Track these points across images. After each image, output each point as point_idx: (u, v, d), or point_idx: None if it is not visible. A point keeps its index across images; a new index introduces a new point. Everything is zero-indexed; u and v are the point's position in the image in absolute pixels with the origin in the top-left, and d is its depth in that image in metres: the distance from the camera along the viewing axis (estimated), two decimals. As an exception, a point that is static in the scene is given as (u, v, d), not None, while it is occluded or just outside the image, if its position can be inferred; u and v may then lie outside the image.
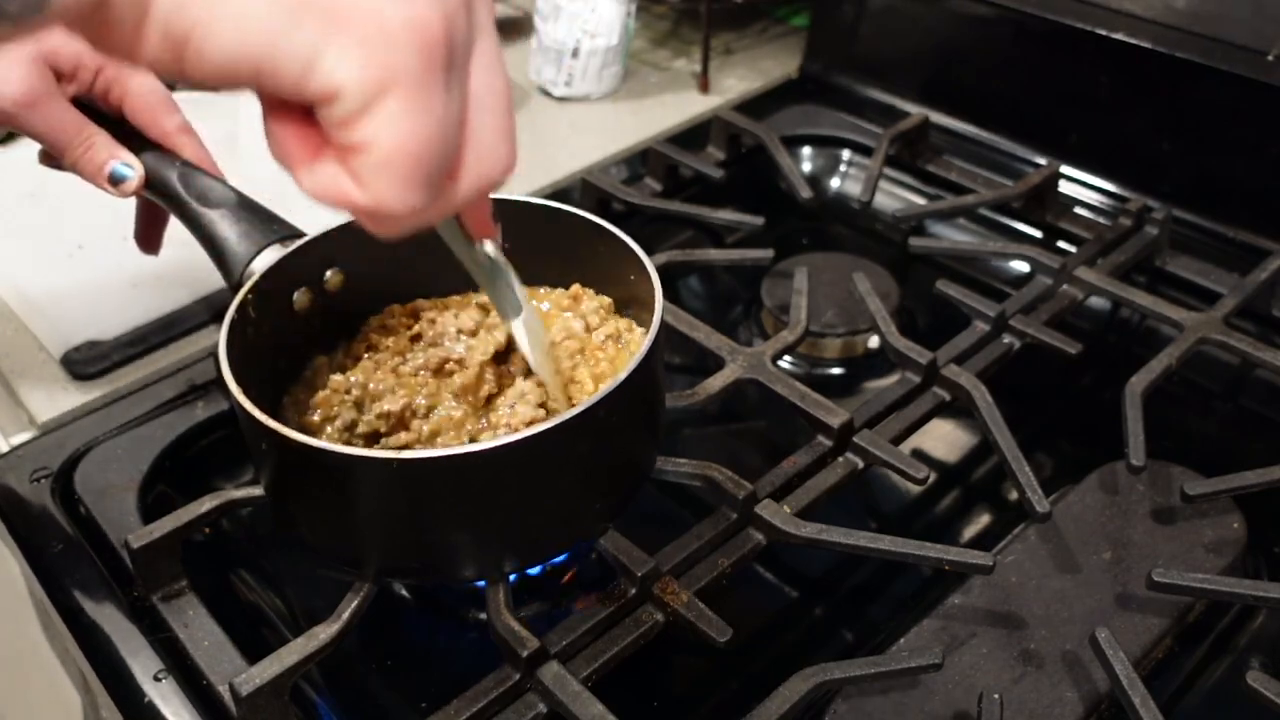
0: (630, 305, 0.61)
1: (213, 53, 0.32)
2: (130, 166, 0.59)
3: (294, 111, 0.35)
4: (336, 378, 0.57)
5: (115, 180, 0.59)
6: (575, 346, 0.60)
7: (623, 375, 0.49)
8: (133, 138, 0.61)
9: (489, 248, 0.51)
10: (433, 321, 0.62)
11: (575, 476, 0.51)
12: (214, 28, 0.31)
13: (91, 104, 0.61)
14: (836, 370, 0.77)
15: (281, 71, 0.32)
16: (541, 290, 0.64)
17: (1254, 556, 0.61)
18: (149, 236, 0.69)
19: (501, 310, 0.54)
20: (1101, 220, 0.82)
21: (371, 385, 0.56)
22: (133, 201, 0.66)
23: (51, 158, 0.62)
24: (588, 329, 0.61)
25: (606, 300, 0.62)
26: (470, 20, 0.36)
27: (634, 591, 0.53)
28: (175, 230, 0.69)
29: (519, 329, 0.54)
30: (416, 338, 0.62)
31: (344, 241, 0.60)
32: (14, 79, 0.56)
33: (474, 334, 0.60)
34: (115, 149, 0.59)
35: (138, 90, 0.61)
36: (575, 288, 0.63)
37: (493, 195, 0.47)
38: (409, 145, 0.34)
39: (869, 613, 0.61)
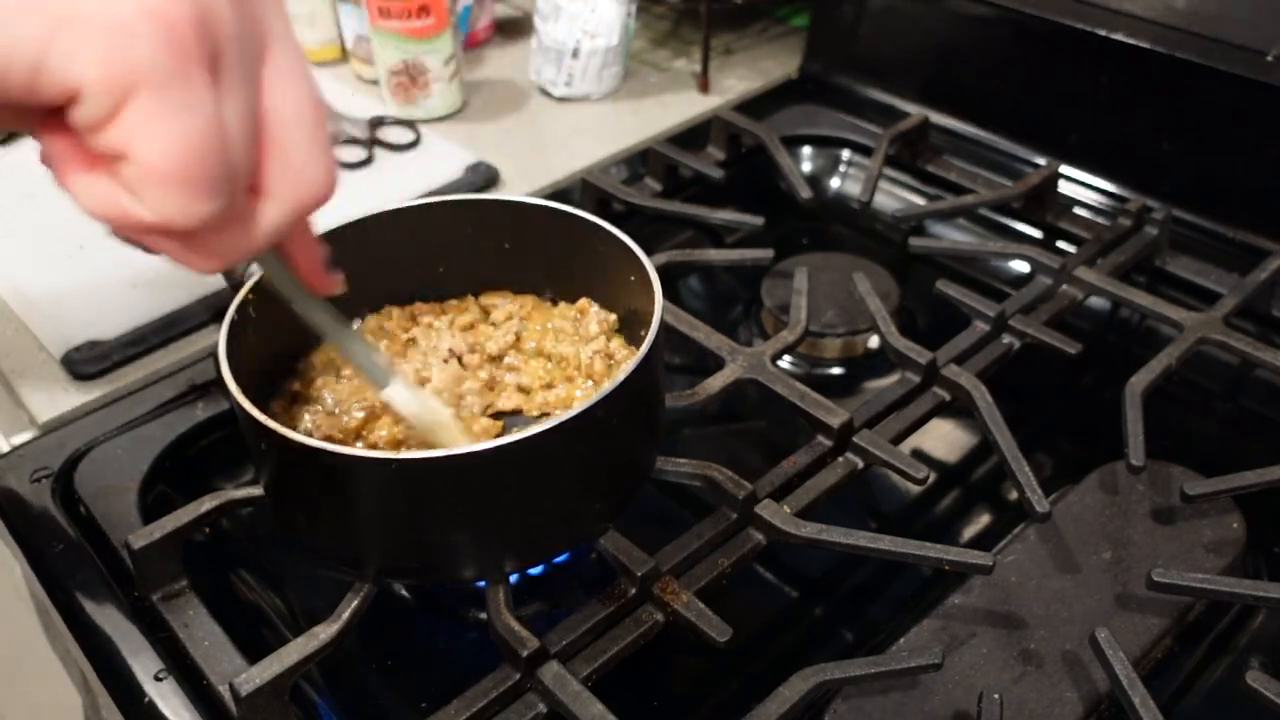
0: (630, 306, 0.61)
1: None
2: None
3: (57, 121, 0.32)
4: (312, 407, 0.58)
5: None
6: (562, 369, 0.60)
7: (622, 376, 0.49)
8: None
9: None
10: (430, 325, 0.62)
11: (575, 477, 0.51)
12: None
13: None
14: (836, 370, 0.77)
15: (10, 71, 0.30)
16: (556, 309, 0.64)
17: (1254, 556, 0.61)
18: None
19: (371, 379, 0.50)
20: (1101, 220, 0.82)
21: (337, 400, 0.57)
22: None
23: None
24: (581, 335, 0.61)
25: (611, 317, 0.62)
26: (241, 16, 0.33)
27: (634, 591, 0.53)
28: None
29: (396, 395, 0.51)
30: (412, 341, 0.62)
31: (344, 242, 0.60)
32: None
33: (460, 357, 0.60)
34: None
35: None
36: (583, 301, 0.63)
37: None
38: (175, 147, 0.32)
39: (869, 613, 0.61)
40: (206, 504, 0.56)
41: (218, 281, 0.60)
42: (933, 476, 0.60)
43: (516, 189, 0.89)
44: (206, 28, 0.32)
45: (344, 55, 1.08)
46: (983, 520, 0.67)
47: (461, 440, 0.53)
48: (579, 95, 1.02)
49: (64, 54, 0.30)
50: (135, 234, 0.34)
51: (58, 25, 0.30)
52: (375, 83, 1.02)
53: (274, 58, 0.35)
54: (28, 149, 0.88)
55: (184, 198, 0.32)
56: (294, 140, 0.35)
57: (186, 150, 0.32)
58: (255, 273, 0.57)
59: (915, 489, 0.65)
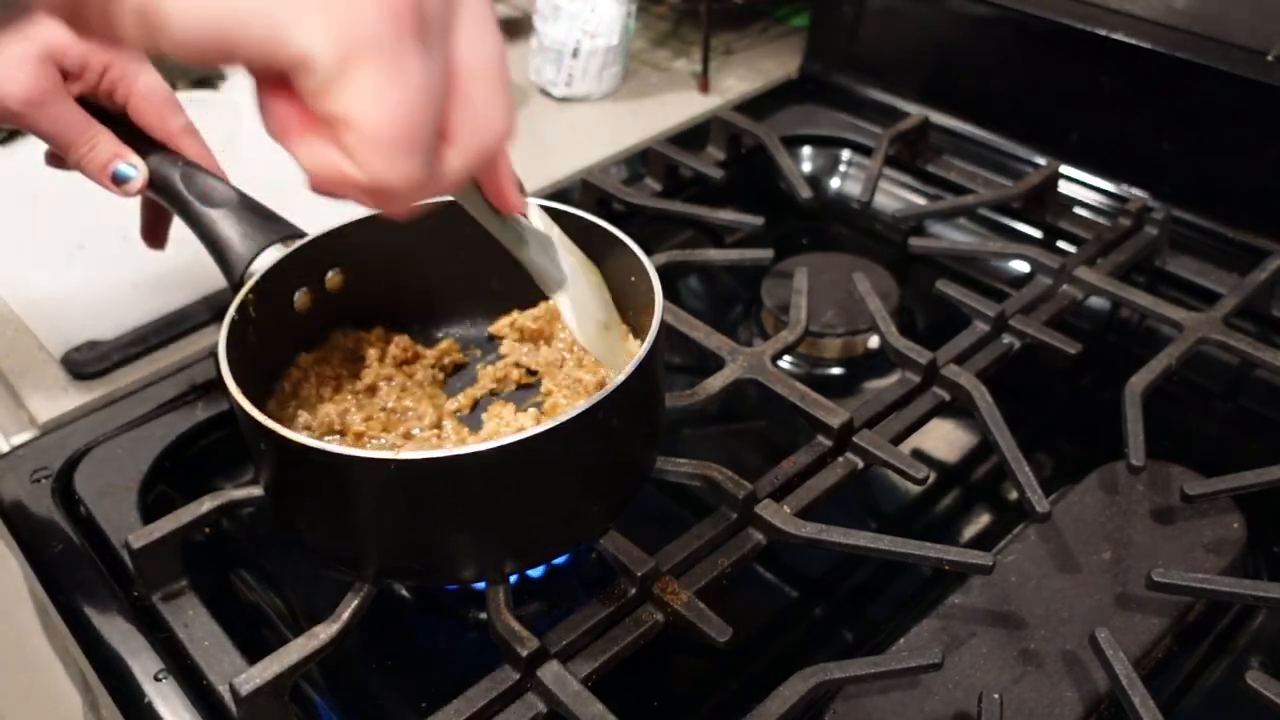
0: (630, 306, 0.61)
1: (180, 26, 0.32)
2: (134, 166, 0.59)
3: (284, 86, 0.35)
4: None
5: (119, 180, 0.59)
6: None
7: (622, 376, 0.49)
8: (137, 137, 0.61)
9: (525, 219, 0.50)
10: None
11: (575, 477, 0.51)
12: (179, 6, 0.31)
13: (97, 103, 0.61)
14: (836, 370, 0.77)
15: (249, 42, 0.32)
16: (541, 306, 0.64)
17: (1254, 556, 0.61)
18: (154, 232, 0.69)
19: (543, 283, 0.52)
20: (1101, 220, 0.82)
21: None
22: (134, 201, 0.66)
23: (57, 157, 0.62)
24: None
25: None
26: None
27: (634, 591, 0.53)
28: (175, 230, 0.69)
29: (563, 302, 0.53)
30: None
31: (345, 242, 0.60)
32: (20, 78, 0.56)
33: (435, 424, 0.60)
34: (119, 149, 0.59)
35: (142, 90, 0.61)
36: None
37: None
38: (393, 115, 0.34)
39: (869, 613, 0.61)
40: (206, 504, 0.56)
41: (218, 281, 0.60)
42: (933, 476, 0.60)
43: (516, 189, 0.89)
44: (421, 1, 0.34)
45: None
46: (983, 520, 0.67)
47: (611, 361, 0.54)
48: (579, 95, 1.02)
49: (297, 25, 0.32)
50: (344, 191, 0.36)
51: (295, 1, 0.32)
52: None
53: (465, 13, 0.37)
54: (28, 149, 0.88)
55: (396, 160, 0.35)
56: (479, 90, 0.37)
57: (402, 117, 0.34)
58: (256, 273, 0.57)
59: (915, 489, 0.65)
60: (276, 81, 0.35)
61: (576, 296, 0.53)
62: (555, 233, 0.53)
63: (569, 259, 0.53)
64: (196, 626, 0.55)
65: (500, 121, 0.39)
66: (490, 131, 0.38)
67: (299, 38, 0.32)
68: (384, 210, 0.38)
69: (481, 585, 0.53)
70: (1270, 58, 0.76)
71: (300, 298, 0.60)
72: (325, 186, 0.37)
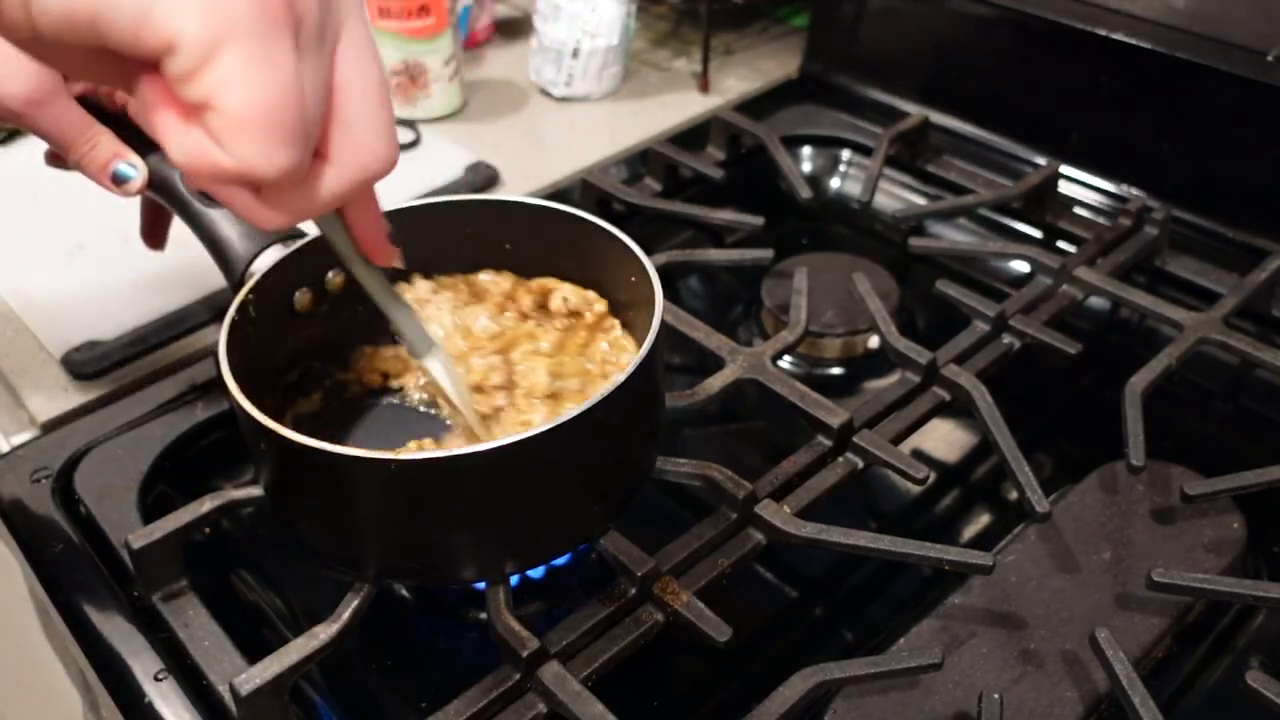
0: (630, 306, 0.61)
1: (51, 12, 0.32)
2: (134, 166, 0.59)
3: (151, 72, 0.35)
4: None
5: (119, 180, 0.59)
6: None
7: (623, 376, 0.49)
8: (137, 137, 0.61)
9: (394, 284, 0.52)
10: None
11: (575, 478, 0.51)
12: None
13: (97, 103, 0.61)
14: (836, 370, 0.77)
15: (118, 22, 0.33)
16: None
17: (1254, 556, 0.61)
18: (154, 232, 0.69)
19: (412, 348, 0.54)
20: (1101, 220, 0.82)
21: None
22: (134, 201, 0.66)
23: (57, 157, 0.62)
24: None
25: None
26: (334, 9, 0.37)
27: (634, 591, 0.53)
28: (175, 230, 0.69)
29: (435, 366, 0.54)
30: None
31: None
32: (21, 77, 0.56)
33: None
34: (119, 149, 0.59)
35: None
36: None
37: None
38: (259, 97, 0.34)
39: (869, 613, 0.61)
40: (206, 504, 0.56)
41: (218, 281, 0.60)
42: (933, 476, 0.60)
43: (516, 189, 0.89)
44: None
45: (344, 55, 1.08)
46: (983, 520, 0.67)
47: (476, 432, 0.55)
48: (579, 95, 1.02)
49: (167, 6, 0.32)
50: (214, 183, 0.36)
51: None
52: (375, 83, 1.02)
53: (347, 35, 0.37)
54: (28, 149, 0.88)
55: (264, 145, 0.35)
56: (359, 114, 0.38)
57: (269, 101, 0.34)
58: (256, 273, 0.57)
59: (915, 489, 0.65)
60: (142, 69, 0.35)
61: (446, 361, 0.54)
62: (429, 307, 0.56)
63: (436, 329, 0.54)
64: (196, 626, 0.55)
65: (381, 148, 0.39)
66: (370, 155, 0.38)
67: (169, 19, 0.33)
68: (259, 222, 0.38)
69: (481, 585, 0.53)
70: (1270, 58, 0.76)
71: (301, 298, 0.60)
72: (197, 178, 0.36)
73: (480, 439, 0.55)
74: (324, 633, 0.50)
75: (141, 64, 0.35)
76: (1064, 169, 0.86)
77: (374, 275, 0.50)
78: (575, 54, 0.99)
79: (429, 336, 0.54)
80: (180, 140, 0.35)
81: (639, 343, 0.60)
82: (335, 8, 0.37)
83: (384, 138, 0.39)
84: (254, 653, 0.52)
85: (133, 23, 0.33)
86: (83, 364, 0.71)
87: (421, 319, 0.53)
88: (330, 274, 0.61)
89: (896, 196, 0.91)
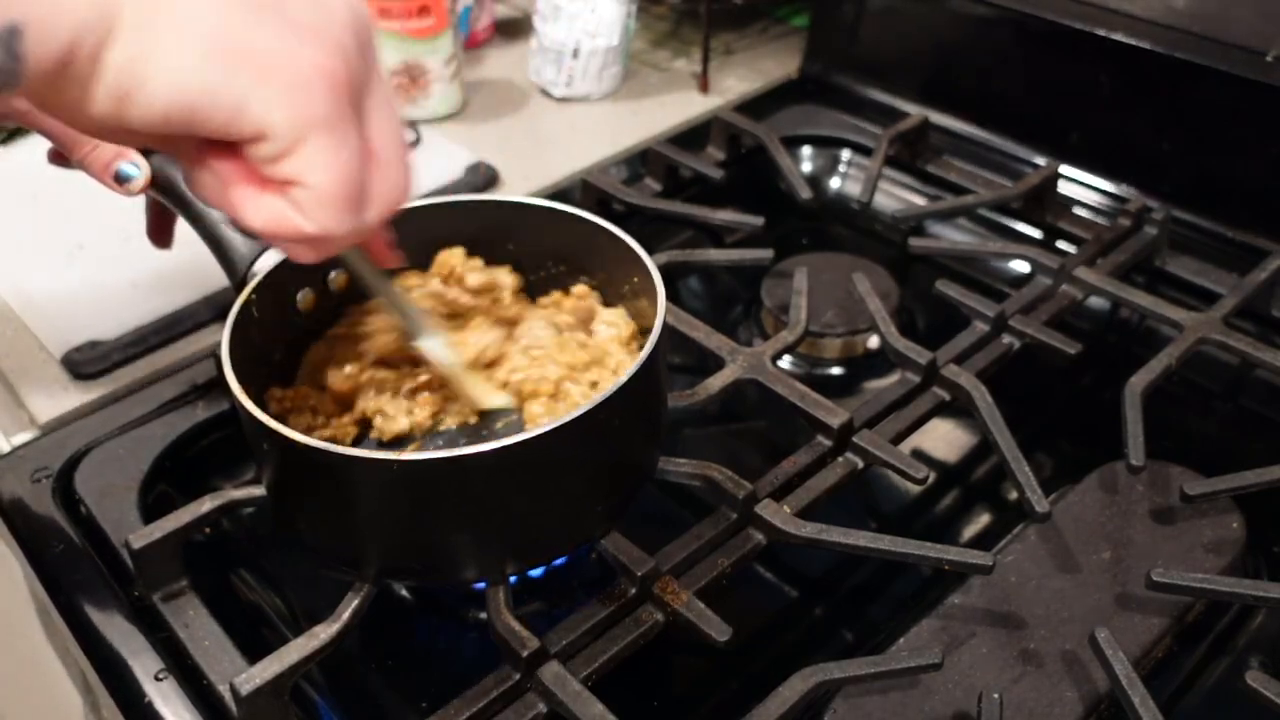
0: (632, 307, 0.61)
1: (153, 103, 0.36)
2: (136, 165, 0.59)
3: (229, 153, 0.39)
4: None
5: (121, 179, 0.59)
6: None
7: (624, 377, 0.49)
8: None
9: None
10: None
11: (577, 478, 0.51)
12: (157, 81, 0.35)
13: None
14: (836, 370, 0.77)
15: (215, 116, 0.37)
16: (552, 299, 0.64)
17: (1254, 556, 0.61)
18: (160, 232, 0.69)
19: (410, 330, 0.56)
20: (1101, 220, 0.82)
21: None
22: (135, 201, 0.66)
23: (60, 155, 0.62)
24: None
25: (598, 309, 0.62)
26: (365, 63, 0.41)
27: (634, 591, 0.53)
28: (176, 230, 0.69)
29: (433, 346, 0.56)
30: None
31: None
32: None
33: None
34: (122, 148, 0.59)
35: None
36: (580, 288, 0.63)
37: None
38: (338, 177, 0.39)
39: (869, 613, 0.61)
40: (207, 504, 0.56)
41: (218, 281, 0.60)
42: (933, 476, 0.60)
43: (516, 189, 0.89)
44: (352, 76, 0.39)
45: (344, 55, 1.08)
46: (983, 520, 0.67)
47: (489, 391, 0.57)
48: (579, 95, 1.02)
49: (262, 103, 0.37)
50: (286, 240, 0.41)
51: (259, 81, 0.37)
52: (375, 83, 1.02)
53: (374, 92, 0.42)
54: (29, 149, 0.88)
55: (342, 214, 0.40)
56: (389, 155, 0.42)
57: (346, 178, 0.40)
58: (259, 273, 0.57)
59: (915, 489, 0.65)
60: (219, 148, 0.39)
61: (443, 340, 0.57)
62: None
63: (427, 317, 0.57)
64: (196, 626, 0.55)
65: (405, 184, 0.44)
66: (398, 191, 0.43)
67: (264, 115, 0.37)
68: (302, 257, 0.43)
69: (481, 585, 0.53)
70: (1270, 58, 0.76)
71: (303, 298, 0.60)
72: (273, 237, 0.41)
73: (485, 405, 0.57)
74: (324, 633, 0.50)
75: (217, 145, 0.39)
76: (1064, 169, 0.86)
77: (371, 267, 0.53)
78: (575, 54, 0.99)
79: (424, 319, 0.56)
80: (259, 207, 0.40)
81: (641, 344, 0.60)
82: (367, 66, 0.41)
83: (406, 175, 0.43)
84: (254, 653, 0.52)
85: (229, 117, 0.37)
86: (83, 364, 0.71)
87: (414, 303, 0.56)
88: (333, 274, 0.61)
89: (896, 196, 0.91)
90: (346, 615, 0.51)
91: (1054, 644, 0.54)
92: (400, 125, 0.44)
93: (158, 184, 0.61)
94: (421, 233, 0.62)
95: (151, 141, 0.41)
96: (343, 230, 0.41)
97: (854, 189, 0.90)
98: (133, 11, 0.35)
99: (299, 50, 0.37)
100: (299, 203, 0.39)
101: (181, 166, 0.42)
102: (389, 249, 0.52)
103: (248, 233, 0.48)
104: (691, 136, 0.94)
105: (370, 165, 0.42)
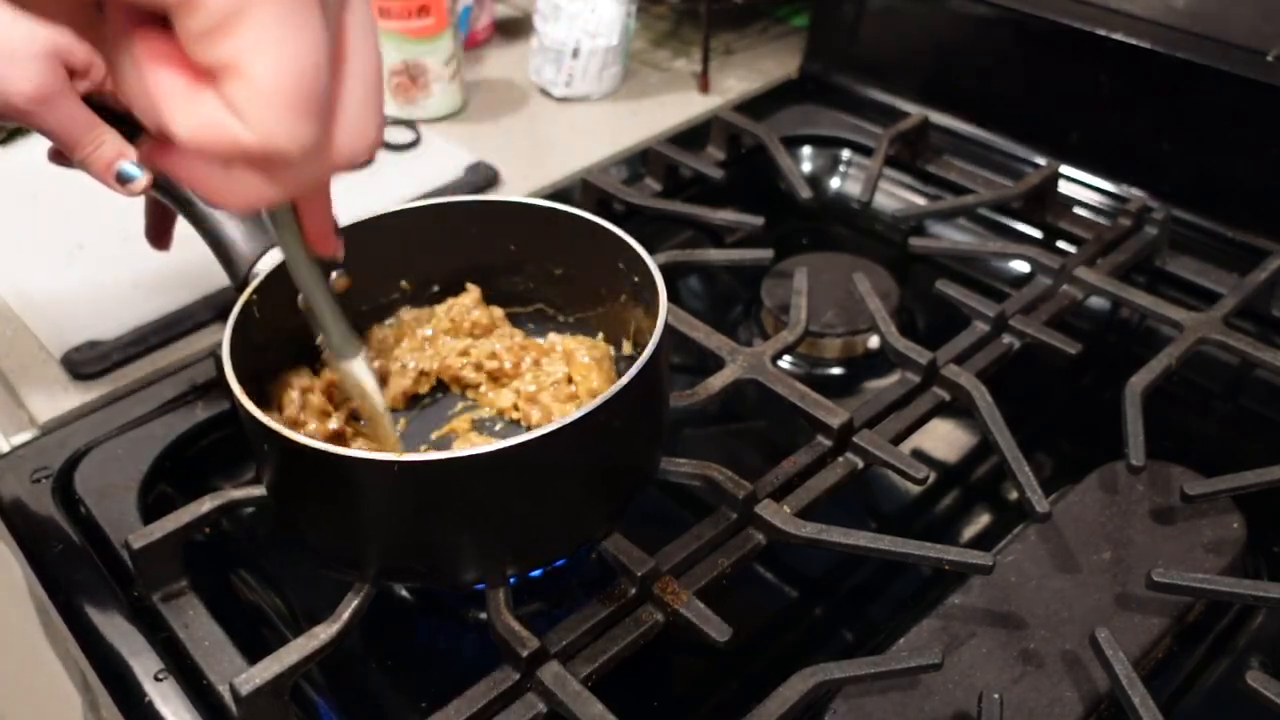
0: (632, 307, 0.61)
1: None
2: (138, 166, 0.59)
3: (158, 32, 0.31)
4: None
5: (123, 179, 0.59)
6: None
7: (626, 378, 0.49)
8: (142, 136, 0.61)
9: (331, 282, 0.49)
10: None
11: (579, 480, 0.51)
12: None
13: (103, 102, 0.61)
14: (836, 370, 0.77)
15: None
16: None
17: (1254, 556, 0.61)
18: (159, 232, 0.69)
19: (338, 347, 0.50)
20: (1101, 220, 0.82)
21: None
22: (134, 201, 0.66)
23: (61, 155, 0.62)
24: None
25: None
26: None
27: (634, 591, 0.53)
28: (176, 230, 0.69)
29: (358, 367, 0.51)
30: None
31: (349, 243, 0.60)
32: (27, 75, 0.56)
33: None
34: (124, 148, 0.59)
35: None
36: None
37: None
38: (291, 66, 0.30)
39: (869, 613, 0.61)
40: (207, 504, 0.56)
41: (219, 281, 0.60)
42: (933, 476, 0.60)
43: (516, 189, 0.89)
44: None
45: (344, 55, 1.08)
46: (983, 520, 0.67)
47: (391, 439, 0.53)
48: (579, 95, 1.02)
49: None
50: (225, 159, 0.32)
51: None
52: (375, 83, 1.02)
53: (353, 9, 0.34)
54: (29, 149, 0.88)
55: (291, 119, 0.31)
56: (354, 94, 0.34)
57: (300, 71, 0.31)
58: (260, 273, 0.57)
59: (915, 489, 0.65)
60: (146, 28, 0.31)
61: (369, 363, 0.52)
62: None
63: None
64: (196, 626, 0.55)
65: (372, 130, 0.35)
66: (363, 137, 0.35)
67: None
68: (223, 203, 0.34)
69: (481, 585, 0.53)
70: (1270, 58, 0.76)
71: (304, 299, 0.60)
72: (205, 152, 0.32)
73: (391, 448, 0.53)
74: (324, 633, 0.50)
75: (137, 16, 0.31)
76: (1064, 169, 0.86)
77: (311, 267, 0.46)
78: (575, 54, 0.99)
79: (354, 337, 0.51)
80: (188, 110, 0.31)
81: (642, 344, 0.60)
82: None
83: (376, 120, 0.35)
84: (254, 653, 0.52)
85: None
86: (83, 364, 0.71)
87: (342, 317, 0.50)
88: (334, 275, 0.61)
89: (896, 196, 0.91)
90: (346, 615, 0.51)
91: (1054, 644, 0.54)
92: (379, 61, 0.35)
93: (159, 184, 0.61)
94: (421, 234, 0.63)
95: (71, 19, 0.32)
96: (294, 144, 0.31)
97: (854, 189, 0.90)
98: None
99: None
100: (237, 102, 0.30)
101: (106, 59, 0.32)
102: (332, 234, 0.44)
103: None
104: (691, 136, 0.94)
105: (338, 79, 0.33)
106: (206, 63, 0.30)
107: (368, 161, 0.36)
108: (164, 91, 0.31)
